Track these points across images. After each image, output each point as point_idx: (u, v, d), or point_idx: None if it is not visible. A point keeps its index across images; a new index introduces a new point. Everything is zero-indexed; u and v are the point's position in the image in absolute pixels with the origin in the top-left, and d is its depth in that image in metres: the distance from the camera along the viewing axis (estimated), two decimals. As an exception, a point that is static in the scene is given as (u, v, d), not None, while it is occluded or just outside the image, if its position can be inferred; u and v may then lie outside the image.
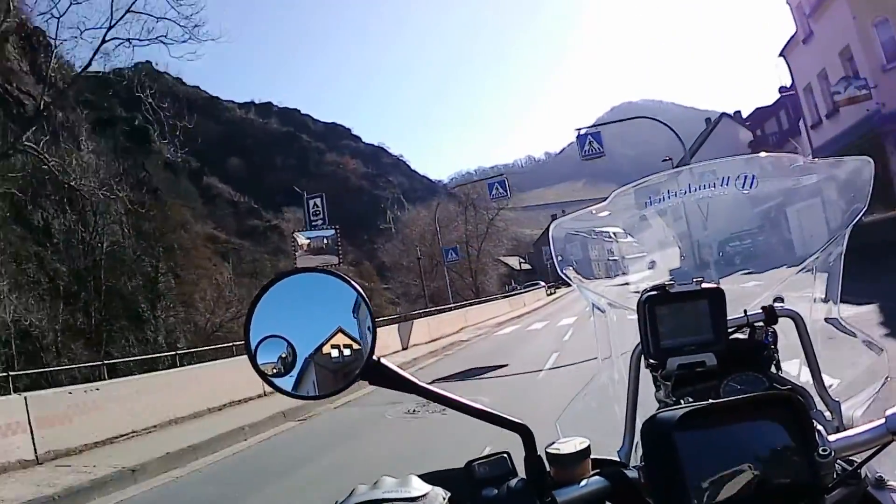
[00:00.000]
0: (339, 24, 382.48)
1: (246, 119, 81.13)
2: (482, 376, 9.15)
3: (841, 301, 1.04)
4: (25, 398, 6.47)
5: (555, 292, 41.84)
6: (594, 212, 1.24)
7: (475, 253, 38.97)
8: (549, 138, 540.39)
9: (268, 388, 0.78)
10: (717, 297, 0.88)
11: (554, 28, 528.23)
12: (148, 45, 17.16)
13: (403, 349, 15.05)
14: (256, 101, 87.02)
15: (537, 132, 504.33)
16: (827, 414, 0.94)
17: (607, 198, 1.21)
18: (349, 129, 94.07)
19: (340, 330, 0.65)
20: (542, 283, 44.25)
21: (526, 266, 67.45)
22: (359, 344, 0.64)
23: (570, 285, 1.26)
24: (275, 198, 55.32)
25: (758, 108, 33.22)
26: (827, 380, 0.97)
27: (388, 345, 14.45)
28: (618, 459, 0.73)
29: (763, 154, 1.15)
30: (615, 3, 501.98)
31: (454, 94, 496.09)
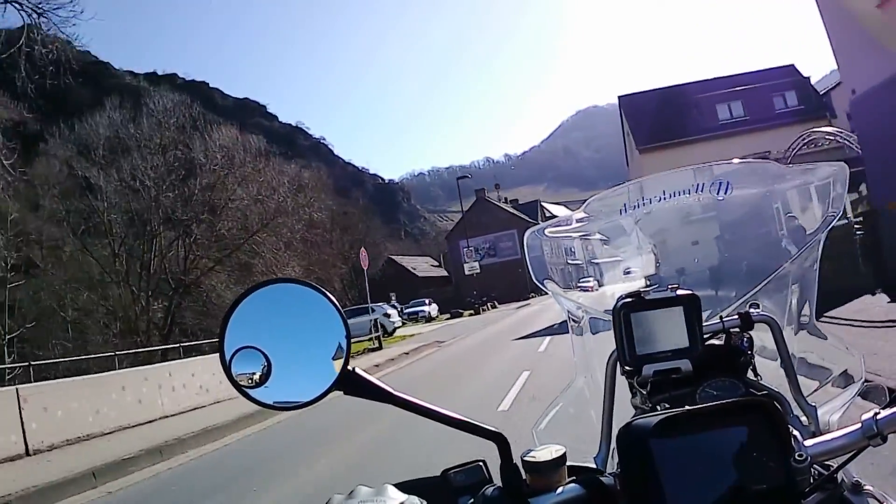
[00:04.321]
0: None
1: (135, 88, 76.23)
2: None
3: None
4: None
5: (380, 348, 18.57)
6: (570, 218, 1.32)
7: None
8: (509, 140, 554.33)
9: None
10: (693, 303, 0.96)
11: (519, 29, 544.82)
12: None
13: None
14: (160, 73, 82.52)
15: (496, 133, 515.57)
16: (803, 419, 1.04)
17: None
18: (264, 107, 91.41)
19: (315, 340, 0.71)
20: (386, 309, 27.52)
21: (441, 273, 55.60)
22: (333, 354, 0.70)
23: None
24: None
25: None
26: (803, 385, 1.07)
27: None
28: (594, 466, 0.79)
29: (737, 160, 1.30)
30: (583, 8, 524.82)
31: (410, 91, 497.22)
